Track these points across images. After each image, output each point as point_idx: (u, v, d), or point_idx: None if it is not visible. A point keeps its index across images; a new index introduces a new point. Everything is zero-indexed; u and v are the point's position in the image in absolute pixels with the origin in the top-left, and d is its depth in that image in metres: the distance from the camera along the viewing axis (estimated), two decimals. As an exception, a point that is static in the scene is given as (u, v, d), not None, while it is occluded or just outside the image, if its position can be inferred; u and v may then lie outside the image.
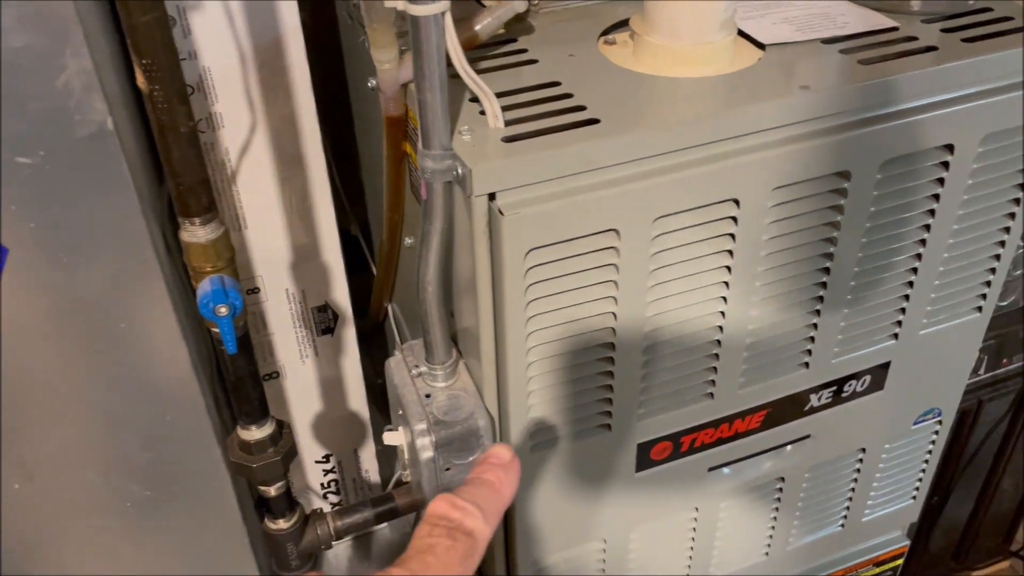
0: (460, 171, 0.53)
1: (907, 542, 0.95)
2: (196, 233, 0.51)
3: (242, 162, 0.72)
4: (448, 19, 0.49)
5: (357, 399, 0.92)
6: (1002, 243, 0.71)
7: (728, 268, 0.61)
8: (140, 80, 0.44)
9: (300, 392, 0.88)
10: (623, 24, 0.68)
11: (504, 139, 0.54)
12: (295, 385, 0.87)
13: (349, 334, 0.86)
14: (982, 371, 1.17)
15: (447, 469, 0.62)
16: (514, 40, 0.66)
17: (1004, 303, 0.86)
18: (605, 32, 0.67)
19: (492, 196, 0.53)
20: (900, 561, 0.96)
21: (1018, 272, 0.83)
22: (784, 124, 0.57)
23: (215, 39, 0.66)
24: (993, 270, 0.73)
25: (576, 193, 0.54)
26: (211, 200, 0.51)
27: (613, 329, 0.61)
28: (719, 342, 0.65)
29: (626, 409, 0.66)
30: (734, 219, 0.59)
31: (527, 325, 0.58)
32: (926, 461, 0.87)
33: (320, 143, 0.74)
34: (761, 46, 0.63)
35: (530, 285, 0.56)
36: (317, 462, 0.95)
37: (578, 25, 0.67)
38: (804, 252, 0.63)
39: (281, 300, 0.81)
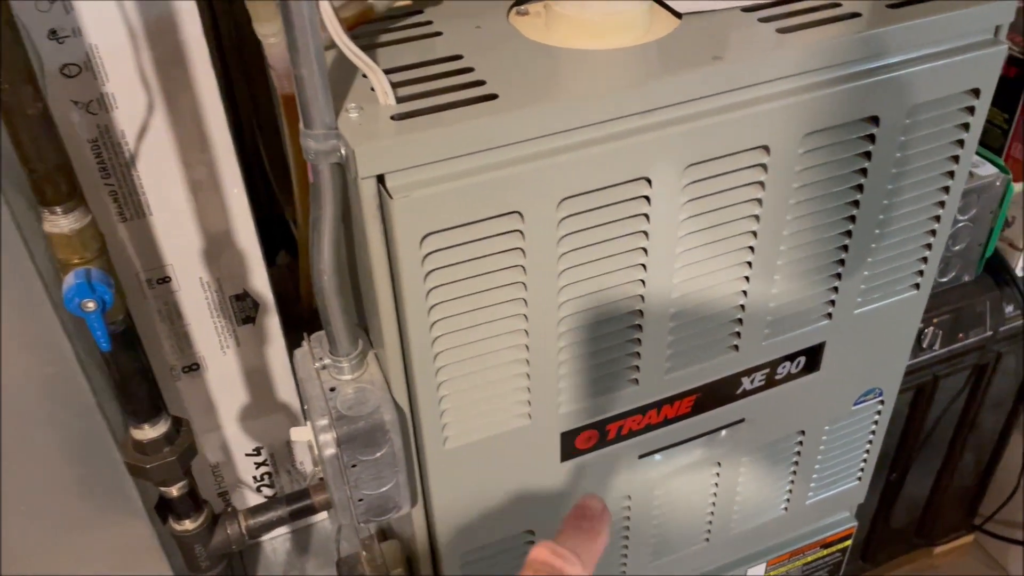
0: (344, 151, 0.49)
1: (854, 523, 0.94)
2: (58, 223, 0.47)
3: (141, 145, 0.68)
4: (322, -11, 0.45)
5: (286, 389, 0.89)
6: (936, 218, 0.69)
7: (644, 250, 0.58)
8: (-25, 59, 0.40)
9: (224, 384, 0.85)
10: (536, -7, 0.64)
11: (394, 117, 0.50)
12: (217, 377, 0.84)
13: (272, 323, 0.83)
14: (937, 347, 1.16)
15: (353, 466, 0.59)
16: (420, 12, 0.62)
17: (944, 279, 0.84)
18: (519, 2, 0.64)
19: (381, 178, 0.50)
20: (848, 543, 0.95)
21: (957, 248, 0.80)
22: (696, 97, 0.54)
23: (101, 15, 0.62)
24: (929, 246, 0.70)
25: (473, 174, 0.51)
26: (72, 187, 0.47)
27: (524, 316, 0.58)
28: (640, 327, 0.62)
29: (545, 398, 0.63)
30: (646, 198, 0.56)
31: (430, 314, 0.55)
32: (870, 442, 0.85)
33: (225, 123, 0.70)
34: (679, 15, 0.60)
35: (430, 272, 0.53)
36: (248, 455, 0.92)
37: (488, -5, 0.64)
38: (725, 231, 0.60)
39: (195, 289, 0.77)
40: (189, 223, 0.74)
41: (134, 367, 0.53)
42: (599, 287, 0.59)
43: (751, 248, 0.62)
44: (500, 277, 0.55)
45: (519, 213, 0.53)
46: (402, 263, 0.52)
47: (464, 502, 0.67)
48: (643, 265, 0.59)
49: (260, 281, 0.80)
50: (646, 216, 0.57)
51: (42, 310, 0.53)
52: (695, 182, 0.57)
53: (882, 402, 0.82)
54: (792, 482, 0.84)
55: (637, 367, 0.65)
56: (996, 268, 1.12)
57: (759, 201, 0.60)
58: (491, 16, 0.61)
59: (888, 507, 1.37)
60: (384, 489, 0.61)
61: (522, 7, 0.62)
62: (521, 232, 0.54)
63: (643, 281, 0.60)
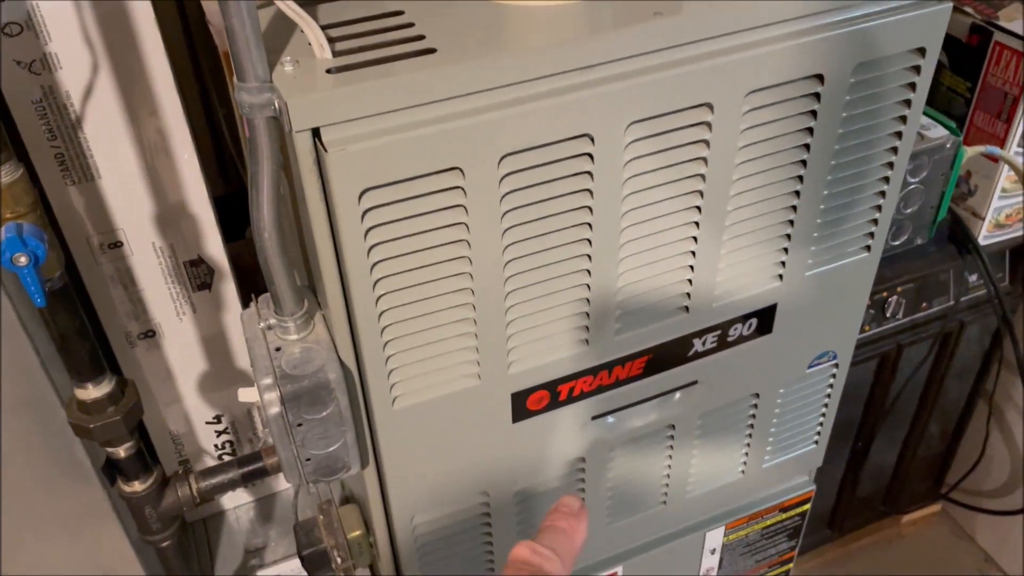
0: (278, 104, 0.49)
1: (813, 487, 0.94)
2: (-12, 178, 0.47)
3: (87, 106, 0.67)
4: (249, -64, 0.45)
5: (246, 357, 0.88)
6: (886, 179, 0.69)
7: (589, 208, 0.58)
8: None
9: (181, 351, 0.85)
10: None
11: (330, 70, 0.50)
12: (175, 344, 0.84)
13: (229, 289, 0.83)
14: (900, 315, 1.17)
15: (299, 425, 0.59)
16: (365, -31, 0.61)
17: (897, 242, 0.84)
18: (466, -40, 0.63)
19: (317, 132, 0.50)
20: (807, 506, 0.96)
21: (909, 210, 0.81)
22: (637, 54, 0.54)
23: (40, -29, 0.61)
24: (879, 207, 0.71)
25: (411, 128, 0.51)
26: (2, 140, 0.47)
27: (470, 275, 0.58)
28: (588, 286, 0.63)
29: (494, 358, 0.63)
30: (590, 156, 0.56)
31: (372, 272, 0.55)
32: (825, 405, 0.86)
33: (173, 85, 0.69)
34: (624, -28, 0.60)
35: (370, 229, 0.53)
36: (208, 423, 0.92)
37: (436, -47, 0.63)
38: (672, 190, 0.61)
39: (148, 255, 0.77)
40: (139, 187, 0.73)
41: (73, 325, 0.53)
42: (545, 246, 0.59)
43: (698, 208, 0.62)
44: (443, 235, 0.55)
45: (460, 169, 0.53)
46: (341, 220, 0.52)
47: (416, 463, 0.68)
48: (588, 224, 0.59)
49: (215, 247, 0.80)
50: (590, 174, 0.57)
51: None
52: (638, 140, 0.57)
53: (836, 365, 0.82)
54: (748, 445, 0.84)
55: (587, 327, 0.65)
56: (959, 237, 1.13)
57: (704, 160, 0.60)
58: (436, -27, 0.61)
59: (854, 476, 1.38)
60: (332, 449, 0.61)
61: (469, -35, 0.62)
62: (463, 189, 0.54)
63: (589, 240, 0.60)
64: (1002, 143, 1.04)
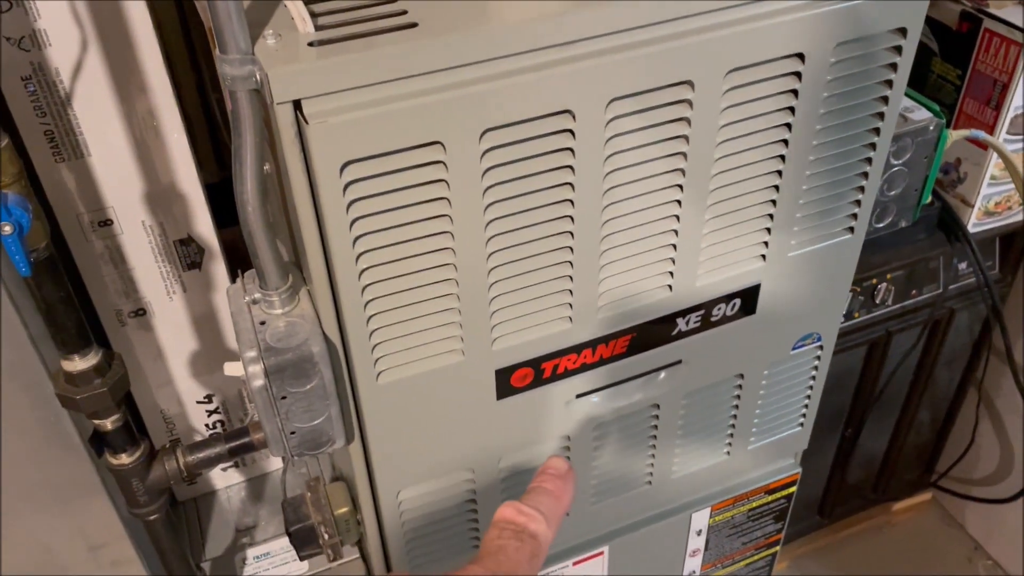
0: (259, 76, 0.49)
1: (798, 470, 0.95)
2: (-27, 147, 0.47)
3: (76, 83, 0.68)
4: (229, -92, 0.45)
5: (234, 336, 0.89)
6: (868, 160, 0.69)
7: (571, 185, 0.59)
8: None
9: (172, 330, 0.85)
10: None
11: (312, 43, 0.51)
12: (165, 323, 0.84)
13: (219, 269, 0.84)
14: (890, 302, 1.17)
15: (283, 398, 0.60)
16: (350, -54, 0.62)
17: (881, 225, 0.85)
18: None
19: (299, 104, 0.50)
20: (793, 489, 0.97)
21: (893, 193, 0.81)
22: (617, 31, 0.55)
23: (28, -53, 0.61)
24: (862, 188, 0.71)
25: (392, 101, 0.51)
26: (-15, 110, 0.48)
27: (452, 250, 0.59)
28: (571, 263, 0.63)
29: (478, 334, 0.64)
30: (571, 132, 0.56)
31: (355, 246, 0.56)
32: (810, 387, 0.87)
33: (163, 64, 0.70)
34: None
35: (352, 203, 0.54)
36: (199, 403, 0.92)
37: (422, -68, 0.64)
38: (653, 168, 0.61)
39: (138, 233, 0.78)
40: (129, 165, 0.74)
41: (58, 295, 0.54)
42: (527, 222, 0.60)
43: (680, 187, 0.63)
44: (425, 210, 0.56)
45: (441, 144, 0.53)
46: (323, 193, 0.53)
47: (401, 439, 0.68)
48: (571, 201, 0.60)
49: (205, 226, 0.80)
50: (571, 151, 0.57)
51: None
52: (619, 117, 0.57)
53: (821, 347, 0.83)
54: (733, 427, 0.85)
55: (570, 304, 0.66)
56: (949, 224, 1.14)
57: (686, 138, 0.60)
58: (421, -49, 0.61)
59: (844, 463, 1.39)
60: (316, 422, 0.62)
61: (454, -56, 0.62)
62: (444, 164, 0.54)
63: (571, 218, 0.61)
64: (991, 130, 1.04)
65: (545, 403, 0.72)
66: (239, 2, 0.48)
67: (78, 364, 0.58)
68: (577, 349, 0.69)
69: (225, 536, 0.96)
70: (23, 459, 0.65)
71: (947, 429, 1.46)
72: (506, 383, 0.68)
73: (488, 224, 0.58)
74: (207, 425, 0.95)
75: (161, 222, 0.78)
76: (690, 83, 0.58)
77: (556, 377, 0.70)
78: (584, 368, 0.71)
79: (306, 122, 0.50)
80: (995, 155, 1.04)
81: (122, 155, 0.73)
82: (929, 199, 1.05)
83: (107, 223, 0.76)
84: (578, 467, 0.78)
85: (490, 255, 0.60)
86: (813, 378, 0.86)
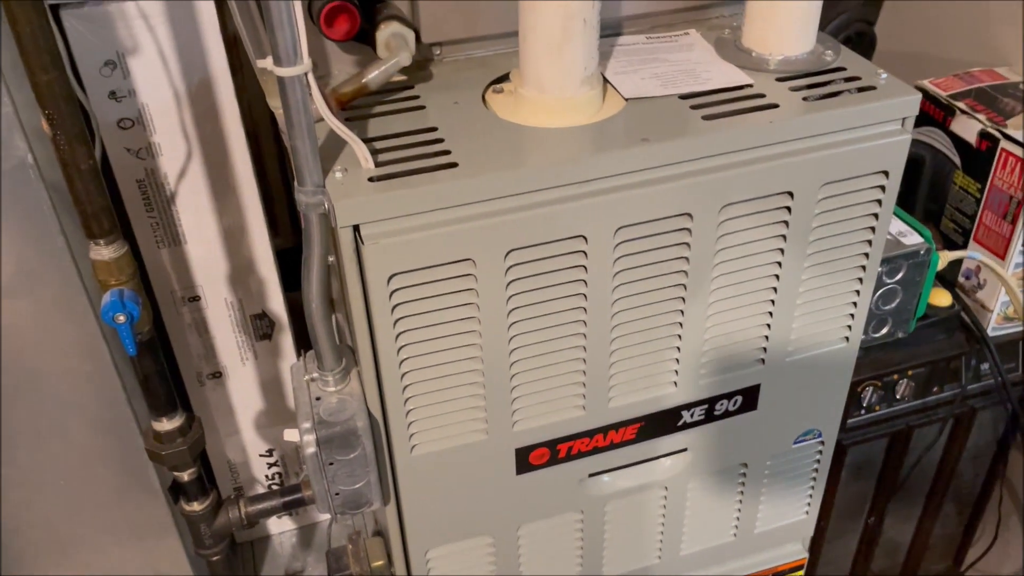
0: (328, 205, 0.61)
1: (805, 555, 1.01)
2: (101, 252, 0.60)
3: (180, 185, 0.81)
4: (311, 78, 0.58)
5: (297, 399, 1.01)
6: (859, 279, 0.78)
7: (584, 296, 0.69)
8: (44, 126, 0.54)
9: (242, 391, 0.97)
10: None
11: (371, 179, 0.62)
12: (237, 385, 0.97)
13: (286, 340, 0.96)
14: (911, 397, 1.23)
15: (330, 464, 0.70)
16: (411, 87, 0.74)
17: (877, 335, 0.92)
18: (497, 81, 0.75)
19: (357, 228, 0.62)
20: (800, 572, 1.02)
21: (888, 307, 0.89)
22: (624, 172, 0.65)
23: (151, 79, 0.75)
24: (854, 303, 0.79)
25: (433, 227, 0.62)
26: (113, 224, 0.60)
27: (479, 346, 0.69)
28: (584, 360, 0.73)
29: (500, 416, 0.74)
30: (584, 253, 0.67)
31: (397, 340, 0.66)
32: (813, 479, 0.93)
33: (251, 170, 0.83)
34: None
35: (396, 306, 0.65)
36: (261, 456, 1.04)
37: (472, 75, 0.75)
38: (655, 284, 0.71)
39: (221, 308, 0.90)
40: (218, 252, 0.87)
41: (155, 369, 0.66)
42: (544, 325, 0.70)
43: (682, 299, 0.72)
44: (456, 312, 0.67)
45: (472, 260, 0.64)
46: (372, 296, 0.64)
47: (431, 504, 0.78)
48: (583, 308, 0.70)
49: (277, 303, 0.93)
50: (584, 267, 0.67)
51: (86, 319, 0.67)
52: (626, 241, 0.67)
53: (822, 443, 0.90)
54: (739, 511, 0.92)
55: (583, 395, 0.75)
56: (969, 327, 1.20)
57: (686, 259, 0.70)
58: (468, 93, 0.73)
59: (868, 550, 1.42)
60: (357, 486, 0.72)
61: (499, 85, 0.74)
62: (475, 276, 0.65)
63: (584, 322, 0.70)
64: (1008, 243, 1.11)
65: (560, 480, 0.81)
66: (315, 147, 0.60)
67: (165, 425, 0.70)
68: (590, 434, 0.78)
69: (276, 578, 1.07)
70: (111, 500, 0.77)
71: (974, 523, 1.48)
72: (525, 460, 0.78)
73: (511, 326, 0.69)
74: (267, 476, 1.06)
75: (240, 299, 0.90)
76: (689, 215, 0.68)
77: (571, 457, 0.79)
78: (596, 451, 0.80)
79: (363, 243, 0.61)
80: (1013, 264, 1.10)
81: (212, 243, 0.86)
82: (951, 302, 1.12)
83: (195, 299, 0.89)
84: (590, 539, 0.87)
85: (512, 351, 0.70)
86: (816, 470, 0.93)
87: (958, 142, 1.17)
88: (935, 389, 1.24)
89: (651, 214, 0.67)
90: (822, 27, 0.75)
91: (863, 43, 1.39)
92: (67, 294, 0.65)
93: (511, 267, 0.66)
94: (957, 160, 1.18)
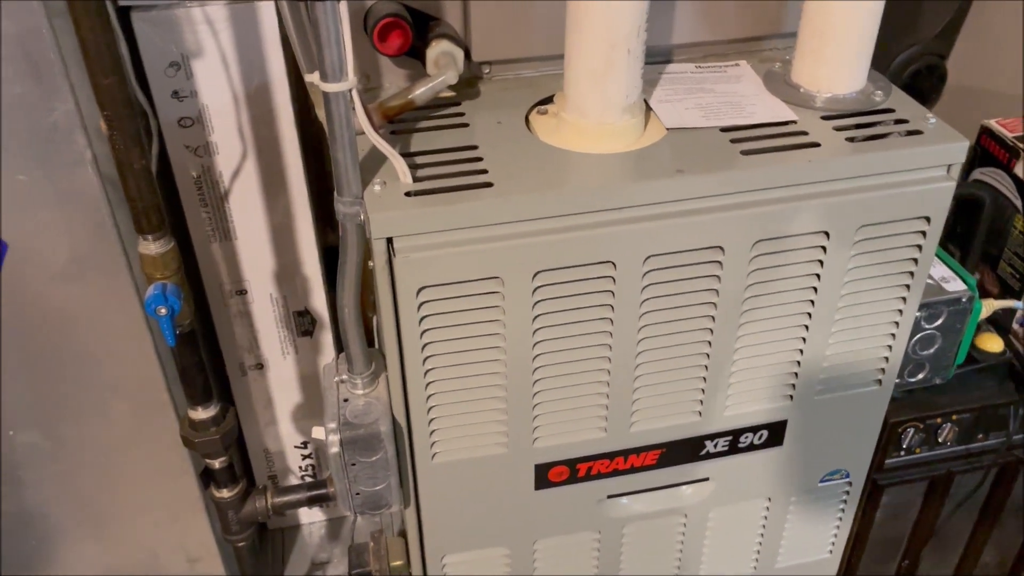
0: (364, 216, 0.63)
1: (828, 594, 1.00)
2: (149, 247, 0.63)
3: (233, 183, 0.85)
4: (355, 94, 0.60)
5: (334, 396, 1.04)
6: (895, 323, 0.77)
7: (611, 320, 0.70)
8: (102, 126, 0.57)
9: (282, 384, 1.01)
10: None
11: (407, 193, 0.64)
12: (277, 377, 1.00)
13: (326, 337, 0.99)
14: (953, 442, 1.20)
15: (353, 464, 0.72)
16: (458, 103, 0.76)
17: (913, 379, 0.90)
18: (542, 102, 0.76)
19: (391, 240, 0.64)
20: (821, 612, 1.01)
21: (926, 352, 0.87)
22: (656, 202, 0.65)
23: (212, 81, 0.79)
24: (889, 347, 0.78)
25: (464, 243, 0.64)
26: (161, 221, 0.63)
27: (503, 362, 0.70)
28: (607, 383, 0.73)
29: (521, 431, 0.75)
30: (612, 278, 0.67)
31: (423, 351, 0.68)
32: (840, 518, 0.92)
33: (302, 173, 0.86)
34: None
35: (424, 317, 0.66)
36: (296, 447, 1.07)
37: (519, 94, 0.77)
38: (684, 313, 0.71)
39: (266, 303, 0.94)
40: (266, 248, 0.90)
41: (193, 360, 0.69)
42: (569, 346, 0.71)
43: (710, 330, 0.72)
44: (482, 328, 0.68)
45: (500, 279, 0.66)
46: (402, 308, 0.66)
47: (449, 511, 0.80)
48: (609, 332, 0.70)
49: (319, 302, 0.96)
50: (611, 292, 0.68)
51: (132, 308, 0.70)
52: (655, 270, 0.68)
53: (850, 483, 0.89)
54: (760, 543, 0.92)
55: (605, 417, 0.76)
56: (1020, 375, 1.16)
57: (716, 292, 0.70)
58: (512, 113, 0.74)
59: (902, 594, 1.39)
60: (378, 488, 0.74)
61: (543, 107, 0.75)
62: (502, 294, 0.66)
63: (609, 346, 0.71)
64: (1067, 291, 1.07)
65: (578, 499, 0.81)
66: (356, 161, 0.62)
67: (200, 414, 0.73)
68: (610, 456, 0.79)
69: (302, 566, 1.10)
70: (146, 480, 0.81)
71: (1018, 573, 1.44)
72: (543, 477, 0.79)
73: (535, 344, 0.70)
74: (300, 467, 1.09)
75: (285, 295, 0.93)
76: (721, 248, 0.68)
77: (589, 477, 0.80)
78: (615, 473, 0.80)
79: (395, 255, 0.63)
80: (1069, 316, 1.07)
81: (261, 240, 0.89)
82: (1002, 349, 1.09)
83: (243, 292, 0.92)
84: (606, 561, 0.87)
85: (535, 369, 0.71)
86: (842, 510, 0.92)
87: (1021, 185, 1.14)
88: (980, 436, 1.20)
89: (682, 245, 0.67)
90: (892, 58, 0.73)
91: (933, 77, 1.36)
92: (116, 283, 0.69)
93: (538, 288, 0.67)
94: (1019, 204, 1.14)
